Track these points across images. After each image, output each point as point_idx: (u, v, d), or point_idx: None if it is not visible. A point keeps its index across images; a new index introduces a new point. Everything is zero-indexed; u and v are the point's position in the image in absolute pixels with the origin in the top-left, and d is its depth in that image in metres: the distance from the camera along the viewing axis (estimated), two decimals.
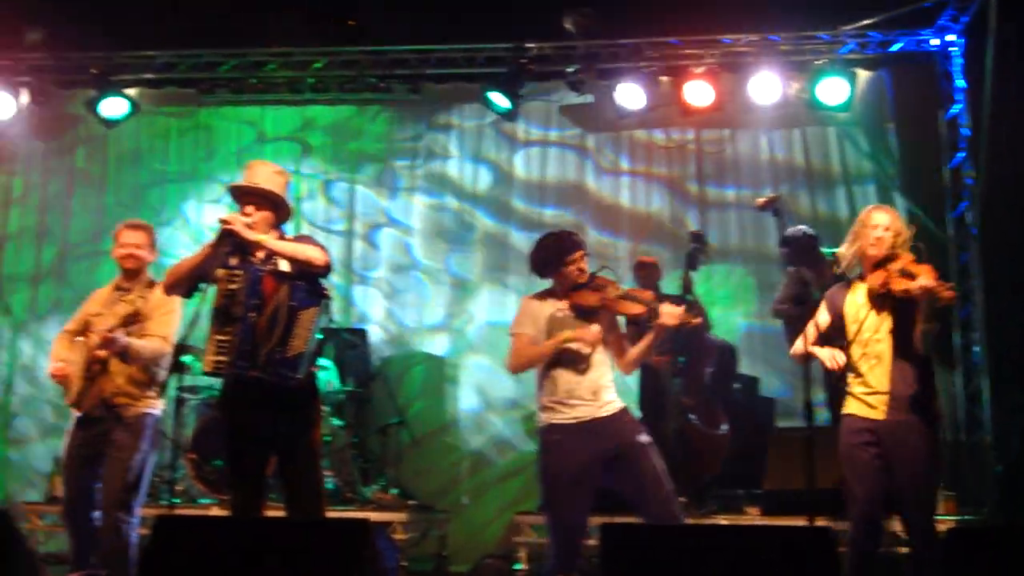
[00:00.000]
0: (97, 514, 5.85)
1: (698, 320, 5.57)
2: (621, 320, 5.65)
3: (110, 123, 9.65)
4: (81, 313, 6.10)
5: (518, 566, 7.79)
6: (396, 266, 9.76)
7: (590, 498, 5.41)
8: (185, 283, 5.21)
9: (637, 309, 5.45)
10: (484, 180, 9.85)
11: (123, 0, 9.20)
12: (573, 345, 5.40)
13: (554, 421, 5.42)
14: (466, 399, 9.37)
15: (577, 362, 5.41)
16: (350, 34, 9.67)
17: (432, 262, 9.74)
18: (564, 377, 5.41)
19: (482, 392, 9.35)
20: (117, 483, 5.75)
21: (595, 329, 5.42)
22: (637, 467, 5.32)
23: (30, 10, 9.40)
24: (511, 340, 5.56)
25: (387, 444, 8.66)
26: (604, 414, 5.41)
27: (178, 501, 7.71)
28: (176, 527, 4.26)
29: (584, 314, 5.46)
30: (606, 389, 5.47)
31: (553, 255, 5.54)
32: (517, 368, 5.60)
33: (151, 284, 6.01)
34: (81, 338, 5.93)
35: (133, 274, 6.03)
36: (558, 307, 5.52)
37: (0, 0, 8.96)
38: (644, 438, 5.40)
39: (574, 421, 5.38)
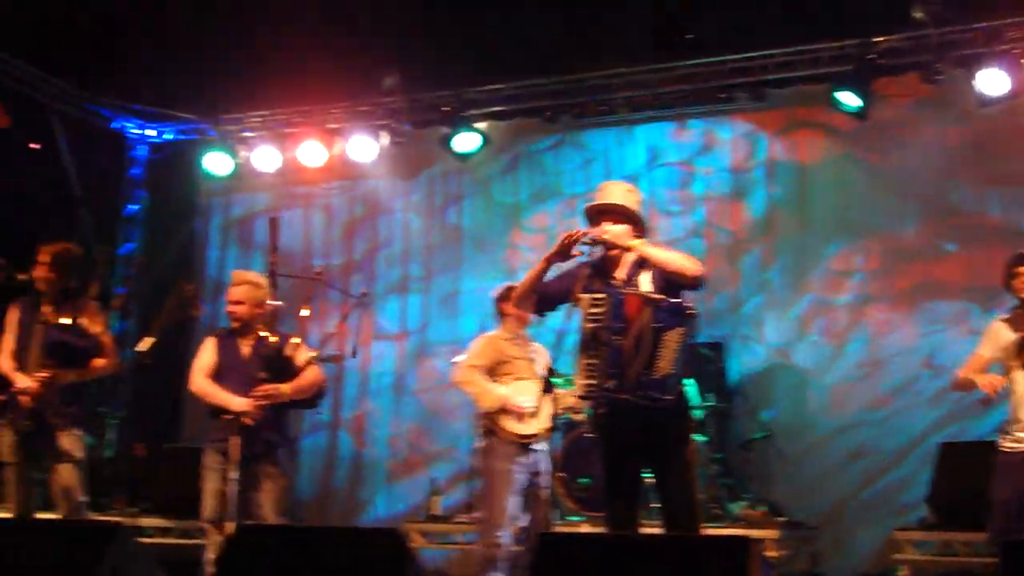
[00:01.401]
0: None
1: None
2: None
3: (463, 157, 10.08)
4: (491, 353, 6.60)
5: None
6: (750, 278, 9.57)
7: None
8: (530, 297, 5.33)
9: None
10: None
11: (468, 37, 9.57)
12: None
13: (1002, 447, 5.62)
14: (833, 410, 8.98)
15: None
16: (687, 47, 9.60)
17: (791, 275, 9.47)
18: (1015, 405, 5.56)
19: (847, 403, 8.93)
20: (549, 505, 6.55)
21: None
22: None
23: (384, 57, 9.96)
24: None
25: (752, 459, 8.49)
26: None
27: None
28: (557, 544, 4.32)
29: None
30: None
31: (1004, 271, 5.70)
32: (951, 387, 5.90)
33: None
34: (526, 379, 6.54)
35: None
36: (1018, 329, 5.55)
37: (357, 51, 9.55)
38: None
39: (1015, 450, 5.54)
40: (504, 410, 6.41)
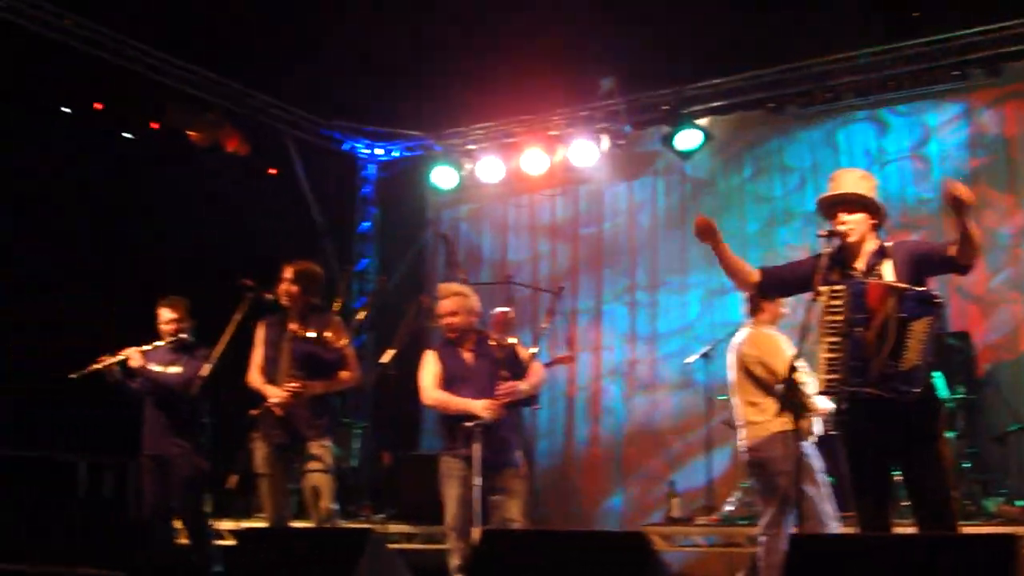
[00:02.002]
0: None
1: None
2: None
3: (685, 155, 9.96)
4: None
5: None
6: (995, 260, 9.06)
7: None
8: (739, 277, 5.28)
9: None
10: None
11: (685, 33, 9.46)
12: None
13: None
14: None
15: None
16: (914, 26, 9.20)
17: None
18: None
19: None
20: None
21: None
22: None
23: (601, 60, 9.99)
24: None
25: (1007, 453, 8.05)
26: None
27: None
28: (809, 544, 4.21)
29: None
30: None
31: None
32: None
33: None
34: None
35: None
36: None
37: (574, 55, 9.60)
38: None
39: None
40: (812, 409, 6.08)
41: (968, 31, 8.91)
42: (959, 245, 4.80)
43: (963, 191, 4.70)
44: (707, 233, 5.18)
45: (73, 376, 6.82)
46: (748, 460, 6.33)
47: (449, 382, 6.28)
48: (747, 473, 6.62)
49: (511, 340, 6.42)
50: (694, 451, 9.68)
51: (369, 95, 10.71)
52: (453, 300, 6.36)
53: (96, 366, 6.85)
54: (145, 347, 6.98)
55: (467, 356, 6.33)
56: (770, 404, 6.22)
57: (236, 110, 10.39)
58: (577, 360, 10.29)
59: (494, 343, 6.34)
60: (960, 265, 4.86)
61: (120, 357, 6.89)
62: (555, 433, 10.53)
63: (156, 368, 6.88)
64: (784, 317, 6.43)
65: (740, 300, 6.58)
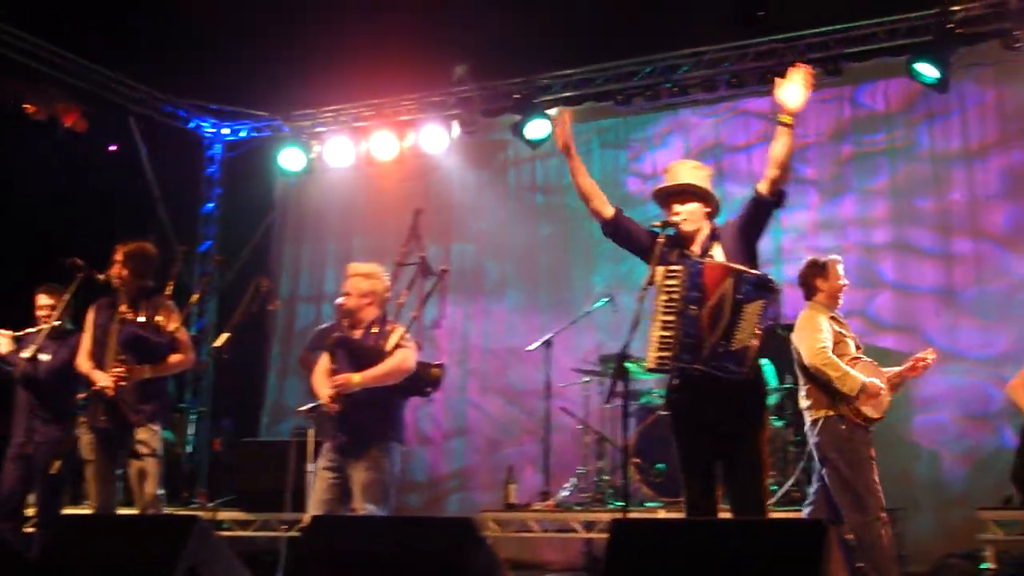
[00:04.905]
0: None
1: None
2: None
3: (535, 144, 9.97)
4: (834, 333, 6.20)
5: (985, 565, 7.19)
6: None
7: None
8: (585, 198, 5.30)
9: None
10: None
11: (538, 22, 9.47)
12: None
13: None
14: (912, 392, 8.60)
15: None
16: (761, 25, 9.40)
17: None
18: None
19: (925, 385, 8.56)
20: None
21: None
22: None
23: (454, 46, 9.94)
24: None
25: None
26: None
27: (622, 505, 7.79)
28: (631, 530, 4.24)
29: None
30: None
31: None
32: None
33: None
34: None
35: None
36: None
37: (427, 41, 9.53)
38: None
39: None
40: (863, 394, 6.00)
41: (811, 31, 9.14)
42: (771, 168, 4.93)
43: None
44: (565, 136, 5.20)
45: None
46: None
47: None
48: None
49: (393, 327, 5.99)
50: (533, 438, 9.68)
51: (216, 73, 10.44)
52: (350, 281, 5.97)
53: None
54: (18, 332, 6.81)
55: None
56: (811, 389, 6.20)
57: (76, 84, 10.01)
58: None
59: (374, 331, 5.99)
60: (771, 196, 4.95)
61: None
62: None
63: (26, 354, 6.64)
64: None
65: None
